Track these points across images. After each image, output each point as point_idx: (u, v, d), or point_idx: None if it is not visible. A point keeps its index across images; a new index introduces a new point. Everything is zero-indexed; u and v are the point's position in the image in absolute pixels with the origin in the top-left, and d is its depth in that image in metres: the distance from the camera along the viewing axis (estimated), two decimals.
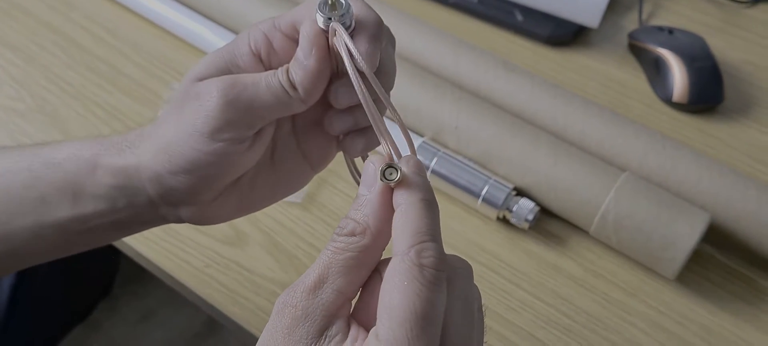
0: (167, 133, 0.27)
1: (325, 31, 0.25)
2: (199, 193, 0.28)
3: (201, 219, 0.29)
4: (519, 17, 0.57)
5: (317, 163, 0.30)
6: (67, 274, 0.62)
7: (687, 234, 0.40)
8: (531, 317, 0.41)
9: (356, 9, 0.26)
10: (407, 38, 0.51)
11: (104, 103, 0.50)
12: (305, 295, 0.22)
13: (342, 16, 0.25)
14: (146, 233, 0.42)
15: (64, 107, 0.49)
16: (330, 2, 0.24)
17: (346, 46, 0.24)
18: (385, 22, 0.28)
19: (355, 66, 0.24)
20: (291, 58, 0.27)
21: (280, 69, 0.27)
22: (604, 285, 0.42)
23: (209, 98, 0.26)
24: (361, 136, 0.28)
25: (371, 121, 0.25)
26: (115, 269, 0.72)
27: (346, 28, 0.25)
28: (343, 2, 0.25)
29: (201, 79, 0.27)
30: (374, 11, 0.26)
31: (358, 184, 0.25)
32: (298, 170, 0.30)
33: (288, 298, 0.22)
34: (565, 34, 0.57)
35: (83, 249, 0.31)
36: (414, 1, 0.60)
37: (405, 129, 0.25)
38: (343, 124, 0.28)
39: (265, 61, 0.27)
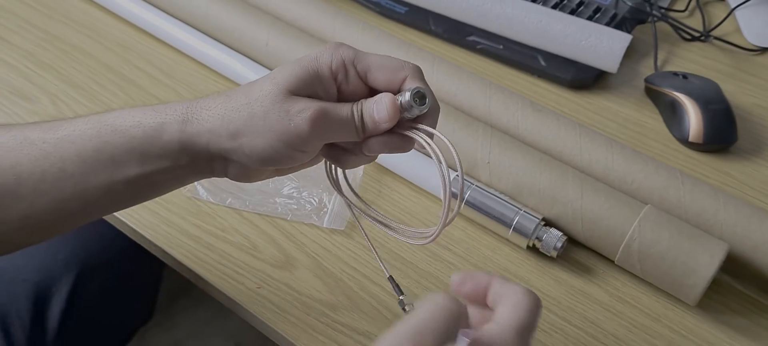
0: (238, 122, 0.33)
1: (401, 108, 0.33)
2: (255, 171, 0.35)
3: (245, 179, 0.36)
4: (542, 62, 0.61)
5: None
6: (113, 298, 0.66)
7: (707, 262, 0.43)
8: (562, 338, 0.43)
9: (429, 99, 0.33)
10: (443, 81, 0.55)
11: None
12: None
13: (421, 107, 0.32)
14: (203, 255, 0.46)
15: None
16: (418, 98, 0.32)
17: (430, 148, 0.33)
18: (421, 66, 0.35)
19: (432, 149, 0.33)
20: (356, 90, 0.34)
21: (354, 109, 0.33)
22: (630, 311, 0.45)
23: (302, 123, 0.32)
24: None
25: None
26: (155, 296, 0.75)
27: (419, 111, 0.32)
28: (427, 99, 0.32)
29: (291, 92, 0.33)
30: (436, 100, 0.34)
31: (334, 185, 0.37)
32: (318, 160, 0.37)
33: None
34: (586, 79, 0.61)
35: (148, 199, 0.38)
36: (446, 47, 0.64)
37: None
38: (378, 150, 0.35)
39: (338, 85, 0.34)
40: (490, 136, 0.50)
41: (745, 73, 0.65)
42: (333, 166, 0.37)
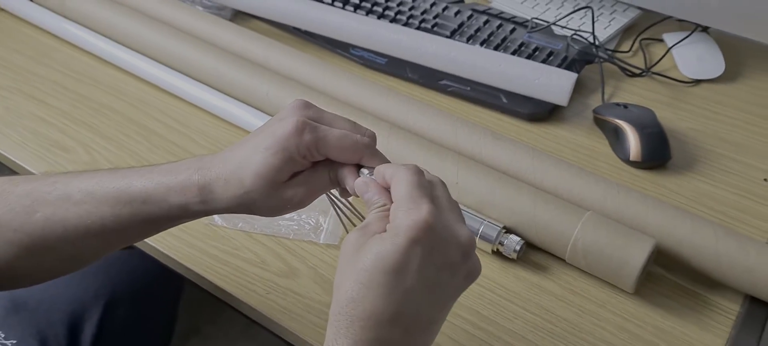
0: (246, 207, 0.41)
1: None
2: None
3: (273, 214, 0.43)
4: (504, 100, 0.71)
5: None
6: (136, 325, 0.74)
7: (637, 254, 0.52)
8: (522, 324, 0.52)
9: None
10: (417, 119, 0.65)
11: None
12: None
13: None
14: (220, 269, 0.54)
15: None
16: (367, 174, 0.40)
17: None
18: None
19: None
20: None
21: (330, 175, 0.41)
22: (579, 300, 0.54)
23: (297, 204, 0.41)
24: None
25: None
26: (173, 327, 0.83)
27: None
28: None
29: (278, 182, 0.40)
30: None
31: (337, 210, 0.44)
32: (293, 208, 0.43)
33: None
34: (542, 112, 0.71)
35: (154, 233, 0.46)
36: (422, 90, 0.75)
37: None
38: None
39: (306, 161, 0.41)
40: (458, 161, 0.59)
41: (681, 102, 0.75)
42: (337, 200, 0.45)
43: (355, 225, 0.43)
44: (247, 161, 0.40)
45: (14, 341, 0.64)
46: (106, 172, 0.45)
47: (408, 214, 0.34)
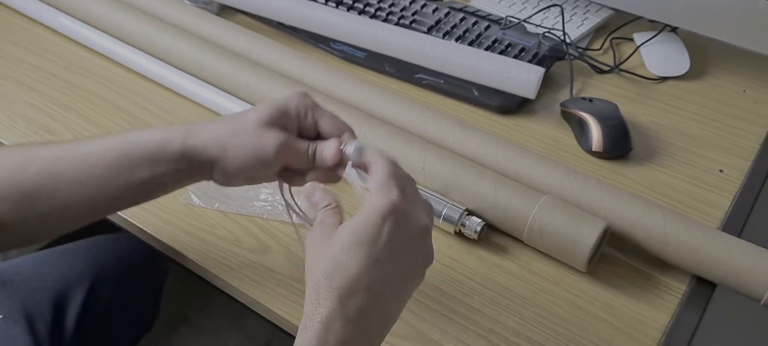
0: (226, 139, 0.46)
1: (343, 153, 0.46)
2: (234, 177, 0.47)
3: (225, 183, 0.48)
4: (475, 93, 0.75)
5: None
6: (121, 305, 0.77)
7: (589, 235, 0.55)
8: (480, 299, 0.55)
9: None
10: (390, 108, 0.68)
11: None
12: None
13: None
14: (196, 245, 0.58)
15: None
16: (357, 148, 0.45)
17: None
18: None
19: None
20: (309, 130, 0.48)
21: (309, 146, 0.47)
22: (536, 278, 0.57)
23: (270, 147, 0.45)
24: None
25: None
26: (157, 308, 0.86)
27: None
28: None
29: (267, 124, 0.46)
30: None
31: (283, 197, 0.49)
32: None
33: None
34: (511, 105, 0.74)
35: (156, 197, 0.50)
36: (398, 83, 0.78)
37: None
38: (318, 179, 0.48)
39: (299, 123, 0.47)
40: (425, 147, 0.62)
41: (646, 98, 0.78)
42: (284, 184, 0.50)
43: (302, 225, 0.50)
44: (248, 111, 0.47)
45: (0, 316, 0.67)
46: (96, 136, 0.50)
47: (381, 197, 0.40)
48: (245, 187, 0.61)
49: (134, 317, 0.82)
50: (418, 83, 0.77)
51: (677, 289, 0.56)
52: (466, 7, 0.86)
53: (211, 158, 0.47)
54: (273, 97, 0.47)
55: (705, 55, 0.85)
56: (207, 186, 0.61)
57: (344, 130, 0.47)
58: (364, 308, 0.39)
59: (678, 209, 0.63)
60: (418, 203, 0.43)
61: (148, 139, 0.47)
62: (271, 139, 0.45)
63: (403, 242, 0.40)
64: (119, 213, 0.60)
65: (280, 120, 0.47)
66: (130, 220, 0.60)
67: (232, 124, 0.47)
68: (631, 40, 0.87)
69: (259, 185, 0.63)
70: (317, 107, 0.48)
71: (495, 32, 0.81)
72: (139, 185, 0.48)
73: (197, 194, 0.62)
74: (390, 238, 0.39)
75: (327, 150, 0.46)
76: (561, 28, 0.82)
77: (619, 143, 0.69)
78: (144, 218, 0.60)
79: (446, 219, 0.59)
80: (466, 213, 0.59)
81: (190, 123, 0.48)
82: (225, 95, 0.72)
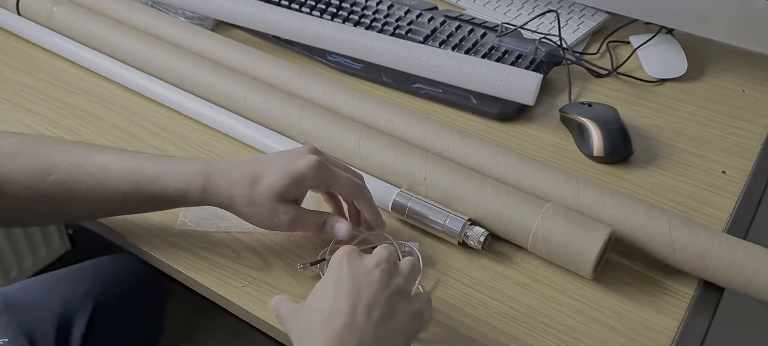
0: (241, 207, 0.51)
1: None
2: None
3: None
4: (474, 100, 0.74)
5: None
6: (124, 326, 0.77)
7: (594, 242, 0.54)
8: (486, 310, 0.55)
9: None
10: (388, 118, 0.67)
11: None
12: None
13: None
14: (200, 267, 0.57)
15: None
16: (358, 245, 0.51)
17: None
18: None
19: None
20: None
21: (318, 219, 0.53)
22: (541, 287, 0.57)
23: (283, 222, 0.51)
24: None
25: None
26: (160, 330, 0.85)
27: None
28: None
29: (281, 196, 0.50)
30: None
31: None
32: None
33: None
34: (510, 112, 0.74)
35: (150, 211, 0.55)
36: (396, 94, 0.78)
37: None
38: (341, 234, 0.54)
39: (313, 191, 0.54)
40: (426, 158, 0.62)
41: (645, 100, 0.78)
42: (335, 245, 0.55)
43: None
44: (265, 170, 0.50)
45: (5, 339, 0.66)
46: (118, 150, 0.53)
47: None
48: None
49: (138, 338, 0.81)
50: (416, 93, 0.77)
51: (685, 294, 0.56)
52: (462, 15, 0.86)
53: (227, 209, 0.52)
54: (284, 156, 0.51)
55: (702, 55, 0.85)
56: (199, 209, 0.60)
57: (358, 194, 0.53)
58: (349, 324, 0.42)
59: (681, 212, 0.63)
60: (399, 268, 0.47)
61: (167, 186, 0.51)
62: (283, 216, 0.50)
63: (363, 275, 0.44)
64: (121, 234, 0.60)
65: (294, 191, 0.51)
66: (132, 241, 0.59)
67: (247, 189, 0.50)
68: (628, 43, 0.87)
69: None
70: (332, 177, 0.51)
71: (491, 40, 0.81)
72: (154, 209, 0.55)
73: (190, 219, 0.61)
74: (350, 270, 0.44)
75: (339, 231, 0.53)
76: (557, 33, 0.82)
77: (620, 147, 0.68)
78: (145, 238, 0.60)
79: (449, 229, 0.58)
80: (469, 223, 0.58)
81: (208, 169, 0.51)
82: (222, 111, 0.71)
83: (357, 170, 0.57)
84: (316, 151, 0.52)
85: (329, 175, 0.51)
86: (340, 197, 0.56)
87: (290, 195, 0.50)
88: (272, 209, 0.50)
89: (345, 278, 0.43)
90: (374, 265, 0.44)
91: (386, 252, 0.46)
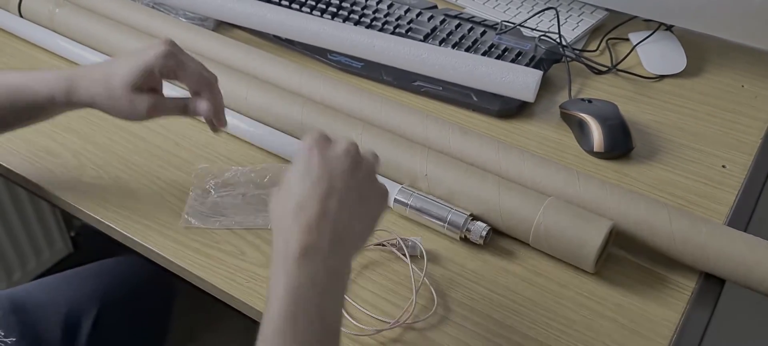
0: (102, 102, 0.56)
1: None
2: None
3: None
4: (474, 98, 0.75)
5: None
6: (129, 326, 0.77)
7: (595, 235, 0.55)
8: (488, 304, 0.55)
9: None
10: (389, 116, 0.68)
11: (163, 176, 0.66)
12: None
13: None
14: (202, 262, 0.57)
15: (134, 182, 0.66)
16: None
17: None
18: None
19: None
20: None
21: (181, 104, 0.57)
22: (543, 280, 0.57)
23: (142, 111, 0.55)
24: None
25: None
26: (166, 330, 0.86)
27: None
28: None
29: (135, 86, 0.54)
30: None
31: None
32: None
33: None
34: (511, 109, 0.74)
35: (26, 121, 0.60)
36: (397, 92, 0.78)
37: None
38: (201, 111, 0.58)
39: (164, 79, 0.56)
40: (427, 154, 0.62)
41: (644, 96, 0.78)
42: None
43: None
44: (119, 66, 0.54)
45: (13, 339, 0.66)
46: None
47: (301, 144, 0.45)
48: (244, 201, 0.62)
49: (145, 338, 0.82)
50: (417, 91, 0.77)
51: (686, 286, 0.56)
52: (461, 13, 0.87)
53: (93, 107, 0.57)
54: (136, 51, 0.54)
55: (701, 51, 0.85)
56: (202, 207, 0.61)
57: (209, 85, 0.56)
58: (321, 214, 0.41)
59: (682, 206, 0.63)
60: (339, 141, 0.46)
61: (36, 93, 0.56)
62: (141, 104, 0.54)
63: (333, 160, 0.43)
64: (125, 234, 0.60)
65: (147, 82, 0.54)
66: (136, 239, 0.60)
67: (104, 85, 0.54)
68: (627, 40, 0.87)
69: (255, 196, 0.62)
70: (180, 67, 0.54)
71: (491, 37, 0.82)
72: (30, 118, 0.60)
73: (194, 216, 0.61)
74: (320, 156, 0.43)
75: (200, 108, 0.57)
76: (557, 30, 0.82)
77: (621, 143, 0.69)
78: (149, 237, 0.60)
79: (451, 225, 0.59)
80: (470, 218, 0.59)
81: (70, 74, 0.56)
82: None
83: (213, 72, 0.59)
84: (169, 43, 0.54)
85: (177, 63, 0.54)
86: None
87: (145, 85, 0.54)
88: (130, 100, 0.54)
89: (315, 166, 0.43)
90: (344, 151, 0.44)
91: (350, 139, 0.46)
